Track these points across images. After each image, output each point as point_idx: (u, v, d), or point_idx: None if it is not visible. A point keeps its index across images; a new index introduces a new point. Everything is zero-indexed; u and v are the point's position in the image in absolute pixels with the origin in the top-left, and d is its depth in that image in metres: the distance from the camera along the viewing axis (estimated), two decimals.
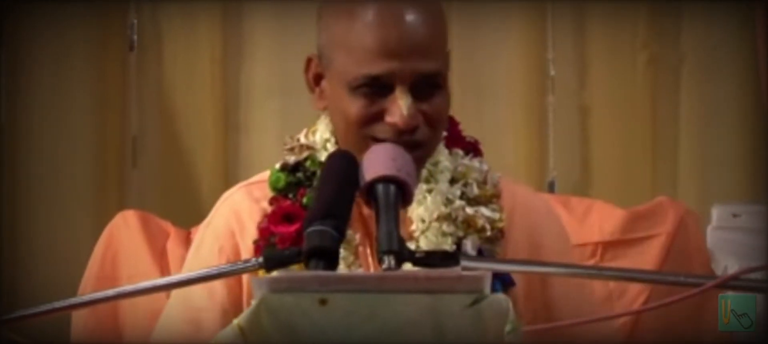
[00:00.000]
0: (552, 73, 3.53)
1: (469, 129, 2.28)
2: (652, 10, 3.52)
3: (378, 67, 2.04)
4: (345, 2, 2.09)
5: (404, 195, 1.76)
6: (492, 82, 3.50)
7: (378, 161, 1.79)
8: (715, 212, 3.21)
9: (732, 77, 3.51)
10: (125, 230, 2.66)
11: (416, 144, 2.05)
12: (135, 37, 3.49)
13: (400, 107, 2.04)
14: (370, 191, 1.76)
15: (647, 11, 3.52)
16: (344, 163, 1.83)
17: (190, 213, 2.91)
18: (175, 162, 3.50)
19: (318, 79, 2.16)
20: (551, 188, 3.52)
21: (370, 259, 2.15)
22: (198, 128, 3.50)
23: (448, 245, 2.12)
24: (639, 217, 2.76)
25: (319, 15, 2.14)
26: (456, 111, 2.23)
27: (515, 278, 2.15)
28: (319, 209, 1.73)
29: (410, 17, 2.06)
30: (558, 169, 3.55)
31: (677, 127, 3.54)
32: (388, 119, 2.05)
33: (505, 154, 3.48)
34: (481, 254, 2.12)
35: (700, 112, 3.53)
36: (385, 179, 1.75)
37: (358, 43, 2.05)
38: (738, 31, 3.47)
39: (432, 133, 2.09)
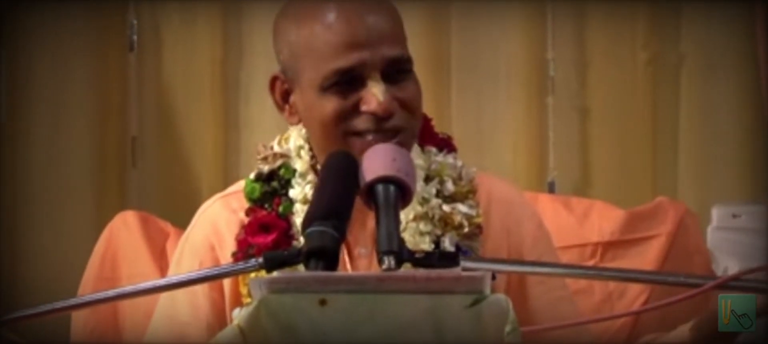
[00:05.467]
0: (552, 73, 3.53)
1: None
2: (652, 10, 3.52)
3: (347, 60, 2.05)
4: (299, 13, 2.11)
5: (404, 196, 1.77)
6: (492, 82, 3.49)
7: (378, 162, 1.79)
8: (715, 213, 3.21)
9: (732, 77, 3.51)
10: (125, 231, 2.66)
11: (396, 129, 2.06)
12: (135, 37, 3.48)
13: (374, 95, 2.05)
14: (370, 192, 1.76)
15: (647, 11, 3.52)
16: (344, 163, 1.82)
17: (189, 213, 2.90)
18: (174, 162, 3.50)
19: (286, 96, 2.17)
20: (551, 189, 3.52)
21: (347, 263, 2.16)
22: (198, 128, 3.50)
23: (426, 244, 2.12)
24: (639, 217, 2.76)
25: (275, 33, 2.16)
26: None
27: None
28: (319, 209, 1.72)
29: (369, 8, 2.08)
30: (558, 169, 3.54)
31: (677, 127, 3.54)
32: (365, 108, 2.06)
33: (504, 154, 3.48)
34: (459, 251, 2.11)
35: (700, 112, 3.53)
36: (385, 180, 1.76)
37: (323, 43, 2.06)
38: (738, 31, 3.47)
39: (409, 118, 2.09)
